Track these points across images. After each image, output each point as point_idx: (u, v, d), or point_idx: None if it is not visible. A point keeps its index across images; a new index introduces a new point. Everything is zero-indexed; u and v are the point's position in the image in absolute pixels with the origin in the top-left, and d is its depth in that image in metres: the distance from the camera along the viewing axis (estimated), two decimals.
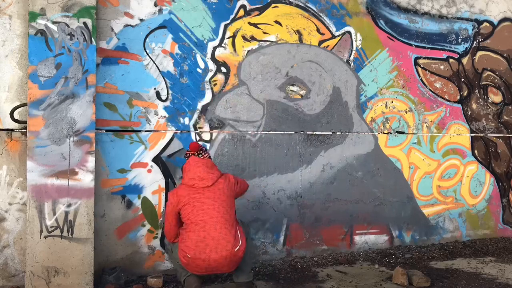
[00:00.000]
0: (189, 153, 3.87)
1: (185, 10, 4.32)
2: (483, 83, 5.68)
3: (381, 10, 5.14)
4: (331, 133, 4.92)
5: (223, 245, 3.58)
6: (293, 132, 4.76)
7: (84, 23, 3.76)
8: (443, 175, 5.49)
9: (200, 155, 3.84)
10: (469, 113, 5.61)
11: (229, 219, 3.68)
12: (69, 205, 3.72)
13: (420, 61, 5.35)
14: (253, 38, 4.59)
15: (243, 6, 4.55)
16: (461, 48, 5.54)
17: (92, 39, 3.78)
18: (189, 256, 3.60)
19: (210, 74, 4.44)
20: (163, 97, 4.27)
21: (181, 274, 3.82)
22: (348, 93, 5.00)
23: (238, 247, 3.64)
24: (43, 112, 3.66)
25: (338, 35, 4.95)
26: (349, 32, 4.99)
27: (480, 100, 5.66)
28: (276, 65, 4.68)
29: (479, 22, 5.63)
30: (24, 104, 3.79)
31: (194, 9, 4.36)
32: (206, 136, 4.44)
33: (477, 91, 5.65)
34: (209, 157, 3.91)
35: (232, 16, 4.51)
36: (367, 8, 5.07)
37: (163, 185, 4.28)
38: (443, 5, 5.43)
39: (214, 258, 3.58)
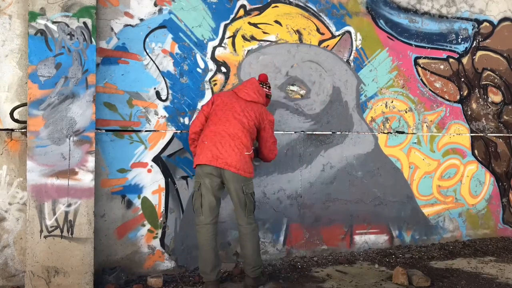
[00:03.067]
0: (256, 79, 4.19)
1: (185, 10, 4.32)
2: (483, 82, 5.68)
3: (381, 10, 5.14)
4: (331, 133, 4.92)
5: (235, 147, 3.80)
6: (293, 132, 4.76)
7: (84, 23, 3.76)
8: (443, 175, 5.49)
9: (261, 85, 4.15)
10: (469, 112, 5.61)
11: (244, 137, 3.85)
12: (69, 205, 3.72)
13: (420, 61, 5.35)
14: (253, 38, 4.60)
15: (243, 6, 4.55)
16: (461, 48, 5.54)
17: (92, 39, 3.78)
18: (206, 142, 3.81)
19: (210, 74, 4.44)
20: (163, 97, 4.27)
21: (196, 203, 3.88)
22: (348, 93, 5.00)
23: (247, 153, 3.84)
24: (43, 112, 3.66)
25: (338, 35, 4.95)
26: (349, 32, 4.99)
27: (480, 100, 5.66)
28: (276, 65, 4.68)
29: (479, 22, 5.63)
30: (24, 104, 3.79)
31: (194, 9, 4.36)
32: None
33: (477, 91, 5.65)
34: (268, 96, 4.22)
35: (232, 16, 4.51)
36: (367, 8, 5.07)
37: (163, 185, 4.28)
38: (443, 5, 5.43)
39: (226, 151, 3.78)
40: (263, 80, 4.20)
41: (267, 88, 4.21)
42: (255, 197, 4.57)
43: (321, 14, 4.87)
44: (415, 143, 5.34)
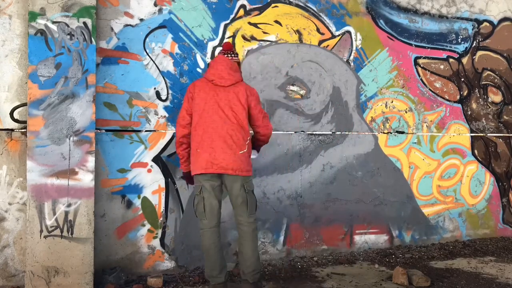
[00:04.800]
0: (221, 51, 3.91)
1: (185, 10, 4.33)
2: (483, 82, 5.68)
3: (381, 10, 5.14)
4: (331, 133, 4.92)
5: (229, 146, 3.64)
6: (293, 132, 4.76)
7: (84, 23, 3.76)
8: (443, 174, 5.49)
9: (228, 55, 3.84)
10: (469, 112, 5.61)
11: (235, 124, 3.67)
12: (69, 205, 3.72)
13: (420, 61, 5.35)
14: (253, 38, 4.60)
15: (243, 6, 4.55)
16: (461, 47, 5.54)
17: (92, 39, 3.78)
18: (198, 150, 3.64)
19: None
20: (163, 97, 4.27)
21: (199, 208, 3.73)
22: (348, 93, 5.00)
23: (243, 150, 3.68)
24: (43, 112, 3.66)
25: (338, 35, 4.95)
26: (349, 32, 4.99)
27: (480, 99, 5.66)
28: (276, 65, 4.68)
29: (479, 22, 5.63)
30: (24, 104, 3.79)
31: (194, 9, 4.36)
32: None
33: (477, 90, 5.65)
34: (238, 63, 3.88)
35: (232, 16, 4.51)
36: (367, 8, 5.07)
37: (163, 185, 4.28)
38: (443, 5, 5.43)
39: (219, 154, 3.63)
40: (227, 49, 3.89)
41: (235, 56, 3.90)
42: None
43: (321, 14, 4.87)
44: (415, 143, 5.34)
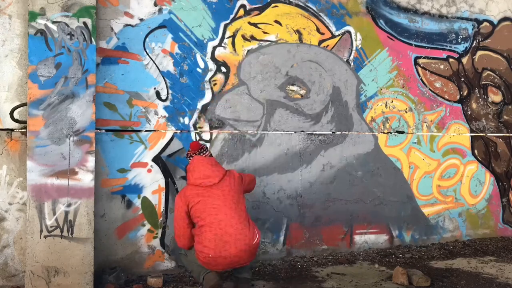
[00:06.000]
0: (190, 153, 3.86)
1: (185, 9, 4.32)
2: (483, 82, 5.68)
3: (381, 10, 5.14)
4: (331, 132, 4.92)
5: (241, 239, 3.59)
6: (293, 132, 4.76)
7: (84, 23, 3.76)
8: (443, 174, 5.49)
9: (201, 154, 3.81)
10: (469, 112, 5.61)
11: (242, 214, 3.68)
12: (69, 205, 3.72)
13: (420, 61, 5.35)
14: (253, 38, 4.59)
15: (243, 6, 4.55)
16: (461, 47, 5.54)
17: (92, 38, 3.78)
18: (210, 256, 3.57)
19: (210, 74, 4.44)
20: (163, 97, 4.27)
21: (200, 272, 3.74)
22: (348, 92, 5.00)
23: (255, 239, 3.67)
24: (43, 112, 3.66)
25: (338, 35, 4.95)
26: (349, 32, 4.99)
27: (480, 99, 5.66)
28: (276, 64, 4.68)
29: (479, 22, 5.63)
30: (24, 104, 3.79)
31: (194, 8, 4.36)
32: (206, 136, 4.44)
33: (477, 90, 5.65)
34: (211, 155, 3.89)
35: (232, 16, 4.51)
36: (367, 8, 5.07)
37: (163, 184, 4.28)
38: (443, 5, 5.43)
39: (234, 253, 3.57)
40: (197, 149, 3.85)
41: (205, 151, 3.86)
42: (256, 198, 4.58)
43: (321, 14, 4.87)
44: (415, 143, 5.34)
